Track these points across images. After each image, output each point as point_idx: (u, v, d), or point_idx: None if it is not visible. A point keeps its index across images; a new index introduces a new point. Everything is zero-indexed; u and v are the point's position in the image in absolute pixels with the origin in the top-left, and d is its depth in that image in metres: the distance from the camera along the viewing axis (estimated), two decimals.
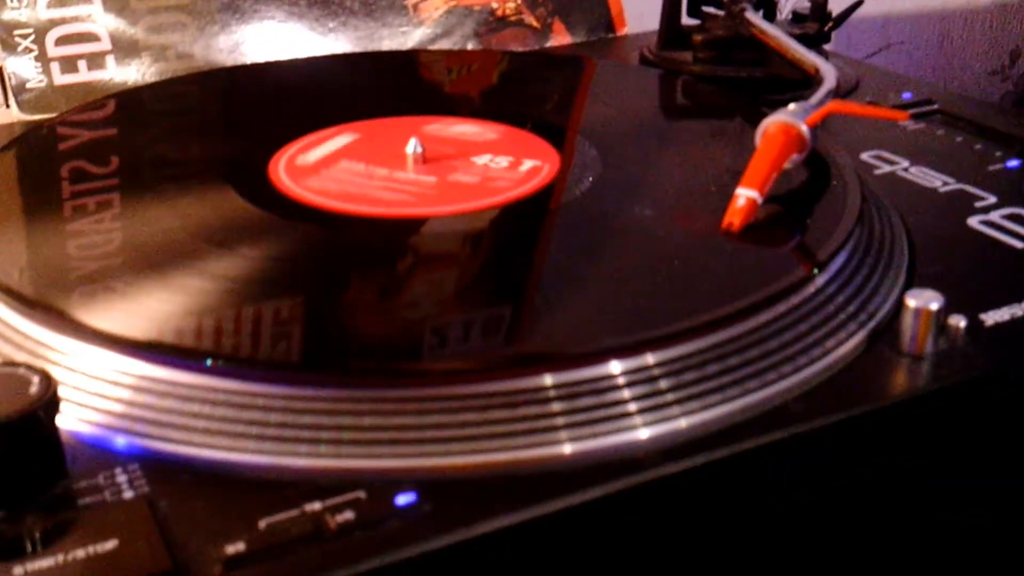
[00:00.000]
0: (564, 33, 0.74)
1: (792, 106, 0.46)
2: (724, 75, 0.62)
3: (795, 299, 0.38)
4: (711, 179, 0.48)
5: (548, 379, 0.34)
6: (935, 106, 0.60)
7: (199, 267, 0.39)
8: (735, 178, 0.43)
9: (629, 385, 0.35)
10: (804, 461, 0.36)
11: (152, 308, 0.37)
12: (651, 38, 0.71)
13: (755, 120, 0.54)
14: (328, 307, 0.38)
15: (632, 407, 0.34)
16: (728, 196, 0.43)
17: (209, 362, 0.33)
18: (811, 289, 0.39)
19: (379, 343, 0.36)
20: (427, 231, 0.43)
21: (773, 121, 0.45)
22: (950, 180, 0.51)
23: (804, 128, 0.44)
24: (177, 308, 0.37)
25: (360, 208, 0.44)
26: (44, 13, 0.62)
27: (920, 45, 1.11)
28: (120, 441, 0.33)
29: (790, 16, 0.66)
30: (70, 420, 0.34)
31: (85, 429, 0.34)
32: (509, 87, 0.61)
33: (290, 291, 0.38)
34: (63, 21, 0.62)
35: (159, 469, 0.32)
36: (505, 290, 0.40)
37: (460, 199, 0.45)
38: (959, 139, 0.56)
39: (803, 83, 0.61)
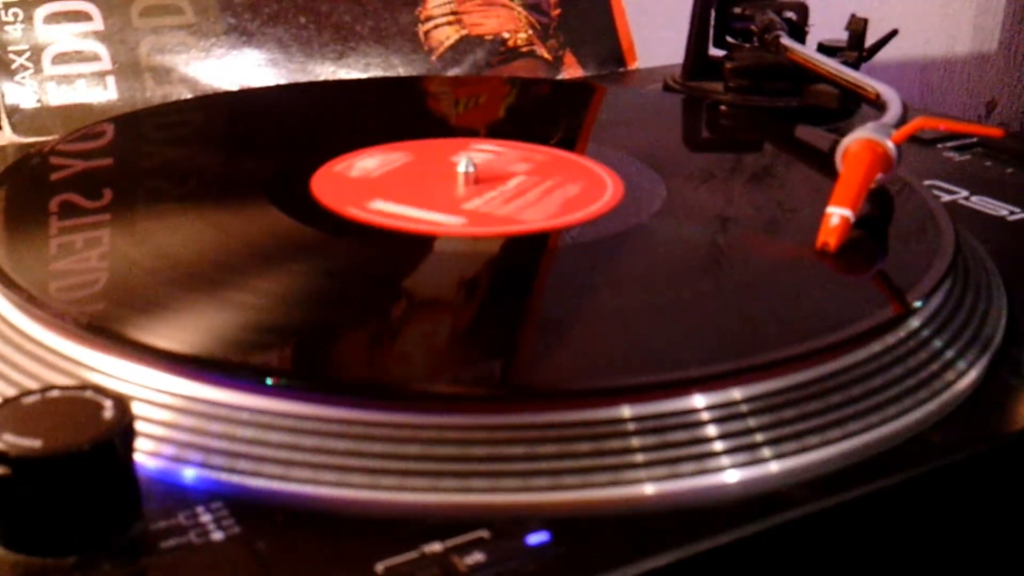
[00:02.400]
0: (575, 66, 0.72)
1: (870, 125, 0.43)
2: (758, 104, 0.60)
3: (902, 330, 0.36)
4: (784, 204, 0.45)
5: (627, 411, 0.31)
6: (974, 139, 0.58)
7: (260, 286, 0.36)
8: (809, 202, 0.41)
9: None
10: (920, 506, 0.33)
11: (224, 328, 0.33)
12: (661, 73, 0.69)
13: (804, 147, 0.52)
14: (422, 329, 0.34)
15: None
16: (807, 221, 0.40)
17: (270, 381, 0.29)
18: (920, 318, 0.36)
19: (474, 367, 0.33)
20: (501, 250, 0.40)
21: (856, 139, 0.42)
22: (1016, 209, 0.49)
23: (891, 145, 0.42)
24: (256, 328, 0.33)
25: (429, 227, 0.41)
26: (41, 30, 0.58)
27: (901, 94, 1.11)
28: (194, 475, 0.29)
29: (815, 47, 0.65)
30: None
31: (151, 464, 0.30)
32: (555, 113, 0.59)
33: (378, 312, 0.35)
34: (62, 39, 0.58)
35: (247, 507, 0.28)
36: (586, 315, 0.36)
37: (529, 217, 0.42)
38: (1009, 170, 0.55)
39: (838, 113, 0.60)
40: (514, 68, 0.70)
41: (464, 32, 0.69)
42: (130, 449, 0.27)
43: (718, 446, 0.31)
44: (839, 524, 0.31)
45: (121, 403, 0.27)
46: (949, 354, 0.36)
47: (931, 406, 0.34)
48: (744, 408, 0.32)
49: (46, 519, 0.26)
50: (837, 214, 0.39)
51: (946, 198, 0.50)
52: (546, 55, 0.71)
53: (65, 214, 0.42)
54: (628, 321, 0.35)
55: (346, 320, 0.34)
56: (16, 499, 0.26)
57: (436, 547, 0.27)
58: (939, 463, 0.32)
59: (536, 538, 0.27)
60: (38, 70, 0.58)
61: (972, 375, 0.35)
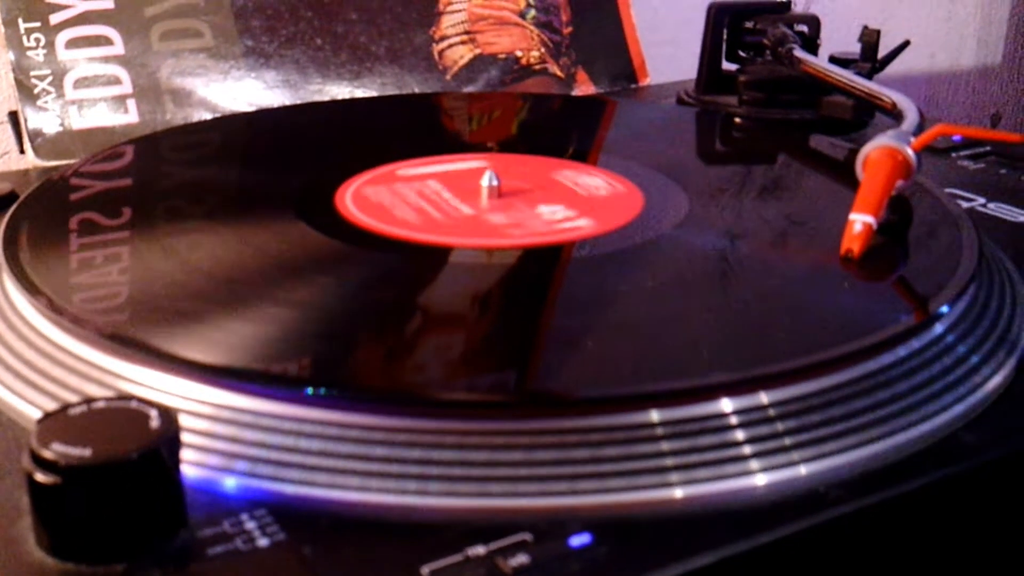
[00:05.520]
0: (587, 83, 0.73)
1: (890, 133, 0.44)
2: (772, 117, 0.60)
3: (926, 336, 0.36)
4: (805, 214, 0.46)
5: (656, 415, 0.31)
6: (988, 147, 0.59)
7: (294, 298, 0.36)
8: (830, 212, 0.41)
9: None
10: (949, 511, 0.33)
11: (264, 340, 0.33)
12: (672, 89, 0.70)
13: (822, 158, 0.53)
14: (462, 338, 0.35)
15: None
16: (829, 230, 0.41)
17: (311, 392, 0.30)
18: (946, 322, 0.36)
19: (512, 375, 0.33)
20: (525, 262, 0.40)
21: (876, 147, 0.43)
22: None
23: (911, 153, 0.42)
24: (294, 339, 0.33)
25: (451, 239, 0.41)
26: (63, 54, 0.59)
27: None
28: (235, 484, 0.29)
29: (826, 60, 0.65)
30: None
31: (193, 473, 0.30)
32: (574, 127, 0.59)
33: (414, 322, 0.35)
34: (83, 63, 0.59)
35: (290, 514, 0.28)
36: (620, 323, 0.37)
37: (552, 229, 0.42)
38: None
39: (853, 124, 0.60)
40: (527, 86, 0.70)
41: (478, 51, 0.69)
42: (176, 457, 0.27)
43: (749, 450, 0.31)
44: (876, 524, 0.31)
45: (167, 413, 0.28)
46: (975, 359, 0.36)
47: (958, 408, 0.34)
48: (771, 412, 0.32)
49: (95, 527, 0.26)
50: (860, 221, 0.40)
51: (964, 206, 0.51)
52: (559, 72, 0.72)
53: (97, 231, 0.42)
54: (662, 328, 0.36)
55: (383, 330, 0.35)
56: (65, 507, 0.26)
57: (480, 550, 0.27)
58: (969, 464, 0.32)
59: (579, 540, 0.28)
60: (60, 94, 0.58)
61: (998, 378, 0.36)
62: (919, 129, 0.46)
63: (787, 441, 0.32)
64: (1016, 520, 0.35)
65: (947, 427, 0.34)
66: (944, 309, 0.37)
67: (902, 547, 0.32)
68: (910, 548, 0.32)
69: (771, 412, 0.32)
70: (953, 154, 0.58)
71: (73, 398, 0.32)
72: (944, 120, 1.16)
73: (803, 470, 0.32)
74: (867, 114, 0.59)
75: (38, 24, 0.59)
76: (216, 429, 0.30)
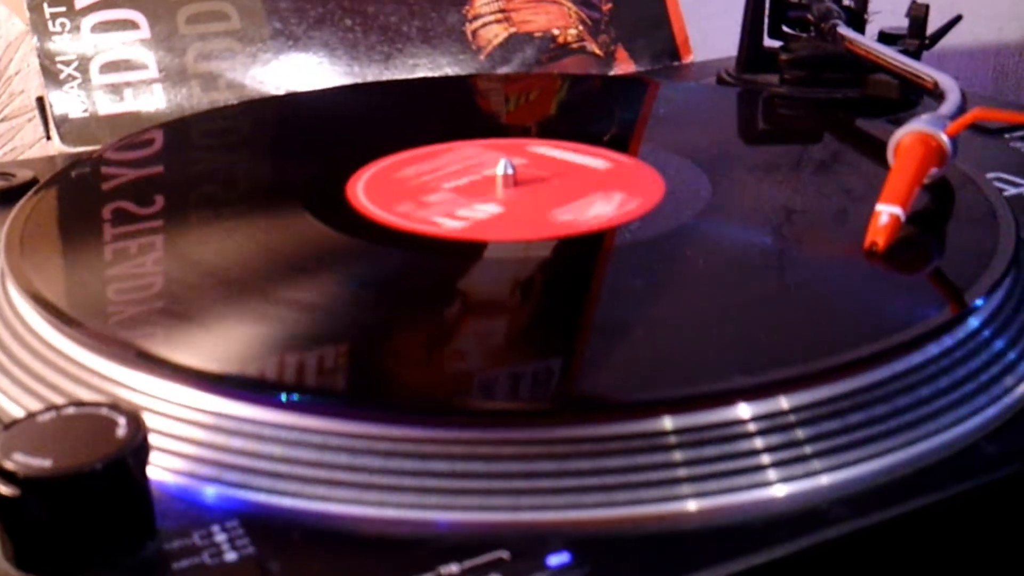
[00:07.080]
0: (628, 61, 0.70)
1: (925, 117, 0.41)
2: (816, 96, 0.58)
3: (960, 332, 0.34)
4: (835, 203, 0.43)
5: (668, 423, 0.29)
6: None
7: (290, 297, 0.35)
8: (866, 199, 0.39)
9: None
10: (977, 525, 0.31)
11: (246, 342, 0.32)
12: (716, 66, 0.68)
13: (862, 140, 0.50)
14: (447, 343, 0.33)
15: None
16: (863, 219, 0.38)
17: (285, 397, 0.29)
18: (978, 319, 0.34)
19: (501, 381, 0.32)
20: (533, 256, 0.39)
21: (908, 132, 0.40)
22: None
23: (945, 139, 0.40)
24: (276, 342, 0.32)
25: (464, 233, 0.40)
26: (89, 39, 0.58)
27: (975, 81, 1.07)
28: (212, 493, 0.29)
29: (876, 36, 0.62)
30: (152, 470, 0.29)
31: (170, 480, 0.29)
32: (598, 110, 0.57)
33: (402, 326, 0.34)
34: (109, 48, 0.59)
35: (263, 526, 0.27)
36: (623, 324, 0.35)
37: (564, 223, 0.40)
38: None
39: (900, 104, 0.57)
40: (565, 65, 0.69)
41: (513, 30, 0.68)
42: (143, 468, 0.26)
43: (767, 459, 0.30)
44: (885, 541, 0.29)
45: (135, 421, 0.27)
46: (1011, 356, 0.34)
47: (991, 411, 0.32)
48: (792, 419, 0.31)
49: (57, 539, 0.25)
50: (886, 212, 0.38)
51: (1011, 191, 0.48)
52: (597, 51, 0.70)
53: (91, 227, 0.42)
54: (667, 329, 0.34)
55: (369, 334, 0.34)
56: (27, 519, 0.25)
57: (453, 568, 0.26)
58: (996, 474, 0.30)
59: (557, 559, 0.26)
60: (86, 80, 0.58)
61: None
62: (960, 111, 0.44)
63: (808, 449, 0.30)
64: None
65: (978, 432, 0.32)
66: (978, 303, 0.34)
67: (929, 561, 0.30)
68: (938, 561, 0.31)
69: (791, 418, 0.31)
70: (1006, 135, 0.55)
71: (60, 399, 0.32)
72: (1012, 95, 1.11)
73: (824, 480, 0.30)
74: (915, 93, 0.57)
75: (63, 9, 0.58)
76: (195, 435, 0.29)
